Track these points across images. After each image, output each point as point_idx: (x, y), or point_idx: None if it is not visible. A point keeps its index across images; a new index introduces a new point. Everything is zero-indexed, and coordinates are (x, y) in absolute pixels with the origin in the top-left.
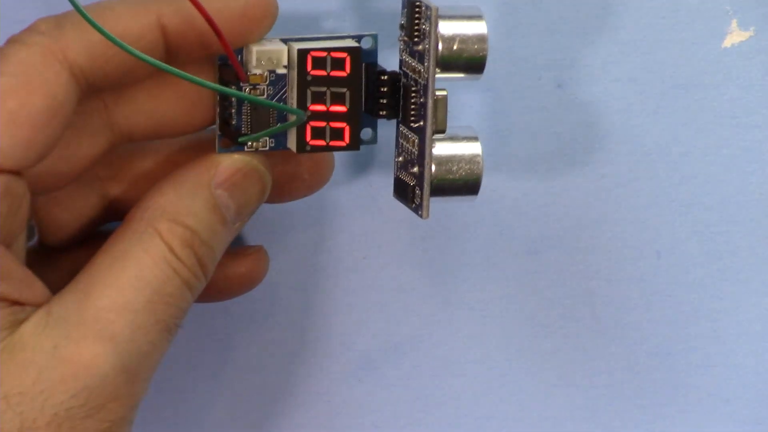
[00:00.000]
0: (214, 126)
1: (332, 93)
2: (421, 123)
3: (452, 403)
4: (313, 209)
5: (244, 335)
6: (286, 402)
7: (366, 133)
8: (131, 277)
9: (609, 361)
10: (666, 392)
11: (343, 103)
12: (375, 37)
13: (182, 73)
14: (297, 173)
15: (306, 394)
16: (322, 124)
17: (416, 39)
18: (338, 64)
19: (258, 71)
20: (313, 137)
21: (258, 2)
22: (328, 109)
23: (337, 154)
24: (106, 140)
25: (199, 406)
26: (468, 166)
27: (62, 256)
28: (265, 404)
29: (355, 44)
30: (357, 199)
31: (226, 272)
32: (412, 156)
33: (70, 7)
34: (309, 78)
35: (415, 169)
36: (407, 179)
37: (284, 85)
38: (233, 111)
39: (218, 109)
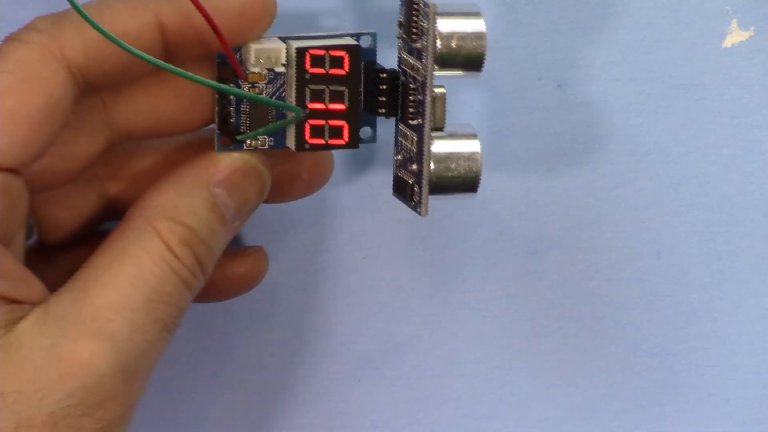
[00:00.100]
0: (213, 125)
1: (331, 91)
2: (420, 120)
3: (452, 403)
4: (313, 209)
5: (244, 335)
6: (286, 402)
7: (365, 131)
8: (129, 275)
9: (609, 361)
10: (666, 392)
11: (341, 102)
12: (374, 36)
13: (180, 70)
14: (296, 173)
15: (306, 394)
16: (321, 122)
17: (414, 36)
18: (337, 62)
19: (256, 69)
20: (312, 135)
21: (256, 1)
22: (326, 107)
23: (336, 154)
24: (105, 139)
25: (199, 406)
26: (467, 164)
27: (61, 255)
28: (265, 404)
29: (354, 42)
30: (357, 198)
31: (225, 272)
32: (411, 154)
33: (68, 6)
34: (308, 76)
35: (414, 167)
36: (406, 177)
37: (283, 84)
38: (232, 109)
39: (217, 108)
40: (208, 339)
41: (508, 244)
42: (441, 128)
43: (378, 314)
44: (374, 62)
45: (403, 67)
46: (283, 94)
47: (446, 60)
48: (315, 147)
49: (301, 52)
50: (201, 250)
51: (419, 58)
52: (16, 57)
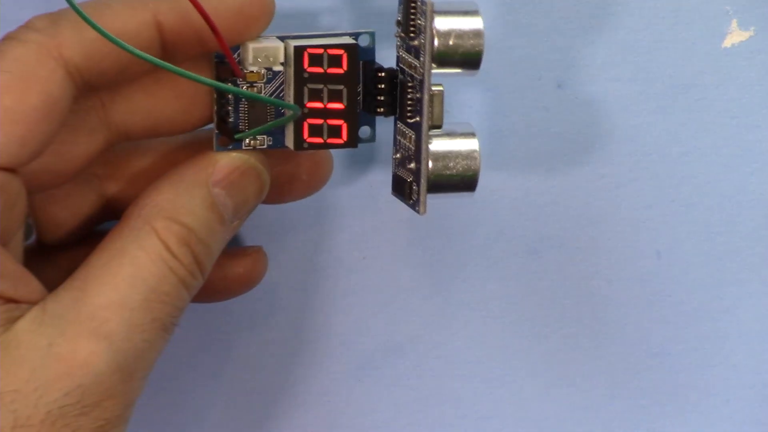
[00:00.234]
0: (211, 125)
1: (329, 90)
2: (418, 118)
3: (452, 403)
4: (313, 209)
5: (244, 335)
6: (286, 402)
7: (364, 131)
8: (128, 275)
9: (609, 361)
10: (666, 392)
11: (340, 101)
12: (372, 35)
13: (179, 69)
14: (296, 174)
15: (306, 394)
16: (320, 121)
17: (412, 34)
18: (335, 61)
19: (255, 69)
20: (311, 135)
21: (255, 0)
22: (325, 106)
23: (336, 154)
24: (103, 138)
25: (199, 406)
26: (465, 162)
27: (60, 255)
28: (265, 404)
29: (352, 41)
30: (356, 198)
31: (224, 272)
32: (410, 152)
33: (66, 5)
34: (306, 75)
35: (413, 165)
36: (405, 176)
37: (281, 83)
38: (230, 109)
39: (215, 107)
40: (208, 339)
41: (508, 244)
42: (439, 126)
43: (378, 314)
44: (373, 61)
45: (401, 65)
46: (281, 94)
47: (444, 58)
48: (314, 146)
49: (300, 50)
50: (199, 249)
51: (417, 56)
52: (13, 56)
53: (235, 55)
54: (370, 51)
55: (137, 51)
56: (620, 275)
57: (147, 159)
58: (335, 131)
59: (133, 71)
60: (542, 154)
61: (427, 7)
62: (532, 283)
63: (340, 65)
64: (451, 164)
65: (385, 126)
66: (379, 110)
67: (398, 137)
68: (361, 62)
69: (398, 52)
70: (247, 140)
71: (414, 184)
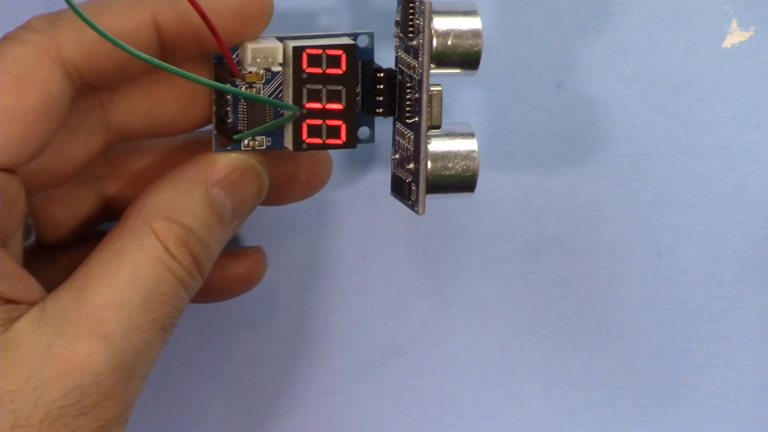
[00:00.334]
0: (210, 125)
1: (328, 91)
2: (417, 118)
3: (452, 403)
4: (313, 209)
5: (244, 335)
6: (286, 402)
7: (363, 132)
8: (126, 275)
9: (609, 361)
10: (666, 392)
11: (339, 101)
12: (371, 35)
13: (178, 69)
14: (295, 175)
15: (306, 394)
16: (319, 122)
17: (411, 35)
18: (334, 61)
19: (253, 69)
20: (310, 135)
21: (253, 0)
22: (324, 106)
23: (335, 155)
24: (102, 139)
25: (199, 406)
26: (464, 162)
27: (60, 255)
28: (265, 404)
29: (351, 42)
30: (356, 199)
31: (224, 273)
32: (408, 152)
33: (65, 5)
34: (305, 75)
35: (411, 166)
36: (404, 176)
37: (280, 83)
38: (229, 109)
39: (214, 108)
40: (208, 339)
41: (508, 244)
42: (438, 127)
43: (378, 314)
44: (371, 62)
45: (400, 65)
46: (280, 94)
47: (442, 58)
48: (312, 147)
49: (298, 51)
50: (198, 249)
51: (416, 56)
52: (12, 56)
53: (234, 56)
54: (368, 51)
55: (136, 51)
56: (620, 275)
57: (146, 159)
58: (334, 132)
59: (132, 71)
60: (542, 154)
61: (425, 7)
62: (532, 283)
63: (338, 66)
64: (450, 164)
65: (383, 126)
66: (377, 111)
67: (397, 138)
68: (359, 63)
69: (397, 53)
70: (246, 141)
71: (413, 184)
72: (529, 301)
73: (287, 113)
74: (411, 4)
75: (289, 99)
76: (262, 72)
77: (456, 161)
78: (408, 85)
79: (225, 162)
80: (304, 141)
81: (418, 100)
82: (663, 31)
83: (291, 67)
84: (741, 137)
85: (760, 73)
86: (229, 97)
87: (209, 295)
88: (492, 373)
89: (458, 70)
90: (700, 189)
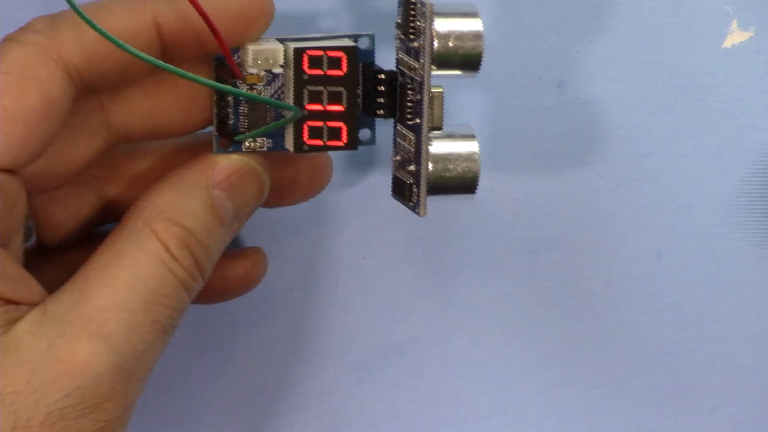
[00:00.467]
0: (211, 127)
1: (329, 92)
2: (418, 120)
3: (452, 403)
4: (313, 210)
5: (244, 335)
6: (286, 402)
7: (364, 133)
8: (127, 276)
9: (609, 361)
10: (666, 392)
11: (340, 103)
12: (372, 37)
13: (179, 70)
14: (295, 178)
15: (306, 394)
16: (320, 123)
17: (412, 36)
18: (335, 63)
19: (254, 71)
20: (311, 137)
21: (254, 2)
22: (325, 108)
23: (336, 155)
24: (103, 140)
25: (199, 406)
26: (465, 164)
27: (60, 257)
28: (265, 404)
29: (352, 44)
30: (356, 199)
31: (224, 274)
32: (410, 154)
33: (66, 7)
34: (306, 77)
35: (412, 167)
36: (405, 178)
37: (281, 85)
38: (230, 111)
39: (215, 110)
40: (208, 339)
41: (508, 244)
42: (439, 128)
43: (378, 314)
44: (372, 63)
45: (401, 67)
46: (281, 96)
47: (443, 60)
48: (313, 148)
49: (299, 53)
50: (199, 251)
51: (417, 58)
52: (13, 57)
53: (235, 57)
54: (369, 53)
55: (137, 51)
56: (620, 275)
57: (146, 161)
58: (335, 133)
59: (132, 73)
60: (542, 154)
61: (426, 9)
62: (532, 283)
63: (339, 67)
64: (451, 166)
65: (385, 128)
66: (378, 112)
67: (398, 139)
68: (360, 64)
69: (397, 54)
70: (247, 143)
71: (414, 186)
72: (529, 301)
73: (288, 114)
74: (412, 6)
75: (290, 100)
76: (263, 73)
77: (457, 163)
78: (409, 86)
79: (226, 164)
80: (305, 142)
81: (419, 102)
82: (663, 31)
83: (292, 69)
84: (741, 137)
85: (760, 73)
86: (230, 98)
87: (209, 296)
88: (492, 373)
89: (459, 72)
90: (700, 189)
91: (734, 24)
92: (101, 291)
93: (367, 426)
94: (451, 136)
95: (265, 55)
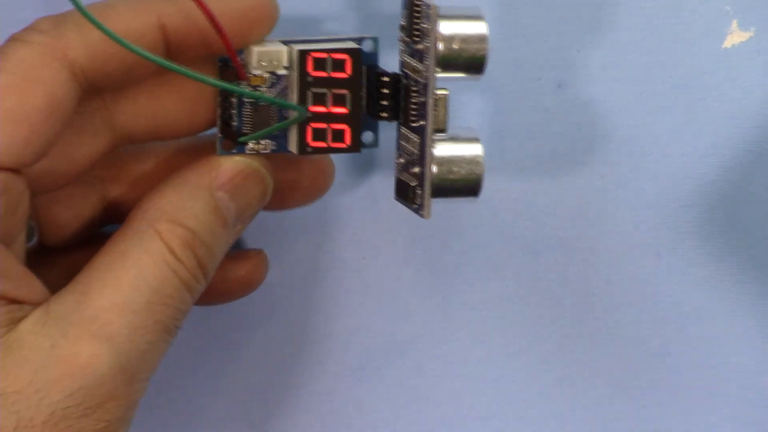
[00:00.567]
0: (215, 128)
1: (333, 94)
2: (422, 122)
3: (452, 403)
4: (314, 210)
5: (244, 335)
6: (286, 402)
7: (367, 136)
8: (131, 277)
9: (609, 361)
10: (666, 392)
11: (343, 105)
12: (376, 40)
13: (184, 69)
14: (298, 180)
15: (306, 394)
16: (323, 125)
17: (416, 38)
18: (339, 65)
19: (259, 72)
20: (314, 139)
21: (259, 3)
22: (329, 110)
23: (338, 157)
24: (107, 141)
25: (199, 406)
26: (469, 167)
27: (62, 257)
28: (265, 404)
29: (356, 46)
30: (358, 200)
31: (225, 275)
32: (413, 157)
33: (71, 7)
34: (310, 79)
35: (416, 170)
36: (408, 180)
37: (285, 87)
38: (234, 112)
39: (219, 111)
40: (209, 339)
41: (508, 244)
42: (443, 131)
43: (378, 314)
44: (376, 66)
45: (405, 70)
46: (285, 98)
47: (448, 62)
48: (317, 150)
49: (303, 54)
50: (202, 252)
51: (421, 60)
52: (17, 57)
53: (239, 59)
54: (373, 56)
55: (142, 51)
56: (620, 275)
57: (150, 162)
58: (339, 135)
59: (137, 73)
60: (542, 154)
61: (431, 11)
62: (532, 283)
63: (343, 70)
64: (455, 169)
65: (387, 130)
66: (382, 114)
67: (401, 142)
68: (364, 67)
69: (402, 57)
70: (251, 144)
71: (418, 188)
72: (529, 301)
73: (293, 115)
74: (416, 8)
75: (294, 102)
76: (267, 75)
77: (461, 166)
78: (413, 88)
79: (229, 165)
80: (308, 144)
81: (424, 104)
82: (663, 31)
83: (296, 71)
84: (741, 137)
85: (760, 73)
86: (234, 99)
87: (211, 297)
88: (492, 373)
89: (463, 75)
90: (700, 189)
91: (734, 24)
92: (104, 291)
93: (367, 426)
94: (455, 139)
95: (270, 56)
